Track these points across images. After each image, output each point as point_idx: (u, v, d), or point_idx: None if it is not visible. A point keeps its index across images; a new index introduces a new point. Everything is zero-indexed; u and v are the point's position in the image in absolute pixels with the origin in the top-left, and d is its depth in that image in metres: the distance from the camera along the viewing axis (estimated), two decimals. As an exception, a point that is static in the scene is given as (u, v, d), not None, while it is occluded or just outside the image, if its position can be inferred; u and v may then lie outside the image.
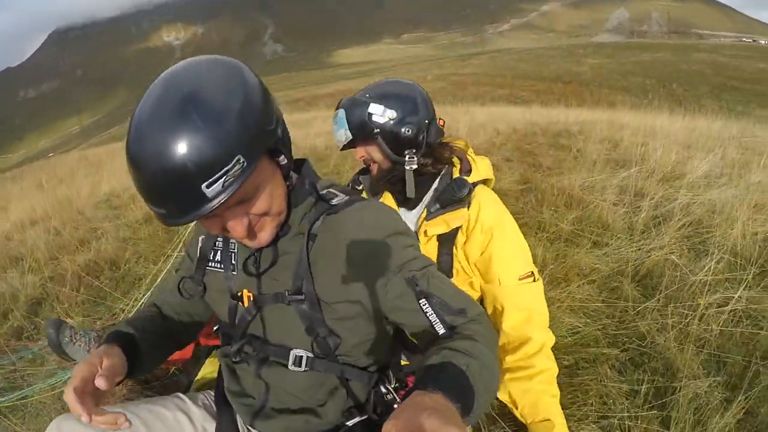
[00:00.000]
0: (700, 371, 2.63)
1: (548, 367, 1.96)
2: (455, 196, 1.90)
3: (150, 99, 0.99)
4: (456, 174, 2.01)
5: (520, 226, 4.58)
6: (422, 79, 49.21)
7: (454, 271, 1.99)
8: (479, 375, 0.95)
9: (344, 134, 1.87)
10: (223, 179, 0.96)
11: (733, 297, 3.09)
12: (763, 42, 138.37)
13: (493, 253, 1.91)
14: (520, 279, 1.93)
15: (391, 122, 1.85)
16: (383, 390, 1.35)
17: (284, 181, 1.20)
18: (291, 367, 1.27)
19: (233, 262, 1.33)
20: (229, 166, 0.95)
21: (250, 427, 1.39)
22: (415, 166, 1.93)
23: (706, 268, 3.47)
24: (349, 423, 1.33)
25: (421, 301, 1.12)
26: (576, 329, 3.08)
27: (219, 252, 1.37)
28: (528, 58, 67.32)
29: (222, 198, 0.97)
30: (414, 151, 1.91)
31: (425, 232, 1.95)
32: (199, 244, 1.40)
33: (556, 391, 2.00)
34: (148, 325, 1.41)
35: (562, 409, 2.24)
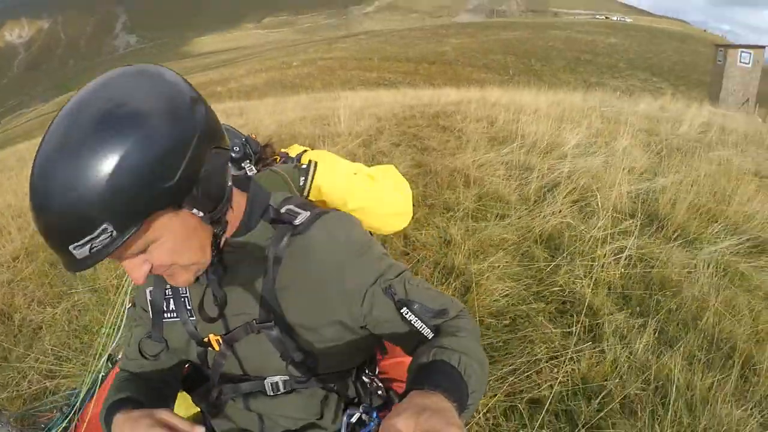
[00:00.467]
0: (614, 308, 3.31)
1: None
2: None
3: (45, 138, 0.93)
4: None
5: (429, 207, 5.22)
6: (288, 65, 49.39)
7: None
8: (471, 370, 0.98)
9: None
10: (88, 246, 0.88)
11: (626, 246, 3.85)
12: (615, 18, 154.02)
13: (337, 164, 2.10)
14: None
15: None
16: (366, 380, 1.38)
17: (209, 227, 1.07)
18: (270, 393, 1.29)
19: (188, 307, 1.27)
20: (93, 235, 0.87)
21: None
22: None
23: (597, 225, 4.24)
24: (353, 420, 1.31)
25: (402, 310, 1.12)
26: (505, 292, 3.64)
27: (171, 300, 1.29)
28: (393, 40, 69.67)
29: (90, 263, 0.91)
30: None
31: None
32: (148, 297, 1.32)
33: None
34: (133, 387, 1.34)
35: (516, 358, 2.81)
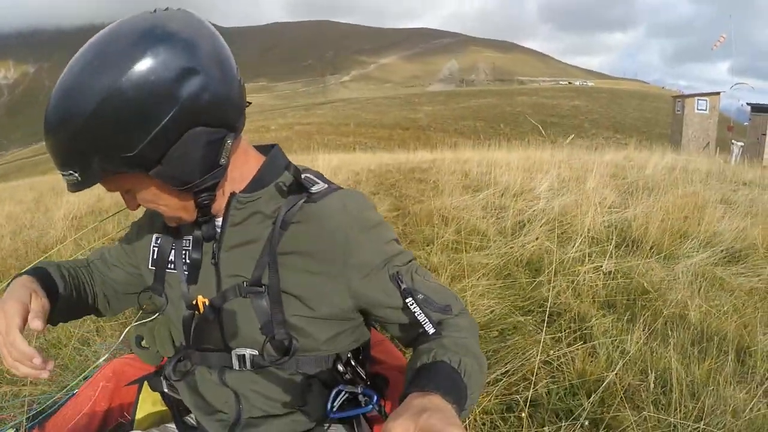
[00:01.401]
0: (600, 313, 3.18)
1: None
2: None
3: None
4: None
5: (408, 243, 5.11)
6: (266, 128, 49.73)
7: None
8: (471, 371, 0.96)
9: None
10: (67, 177, 0.95)
11: (603, 263, 3.76)
12: (578, 83, 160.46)
13: None
14: None
15: None
16: (340, 369, 1.25)
17: (192, 197, 1.06)
18: (236, 367, 1.19)
19: (187, 261, 1.22)
20: (66, 173, 0.95)
21: None
22: None
23: (575, 248, 4.16)
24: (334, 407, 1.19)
25: (407, 300, 1.08)
26: (490, 308, 3.48)
27: (173, 252, 1.25)
28: (369, 107, 71.12)
29: (74, 188, 0.98)
30: None
31: None
32: (153, 242, 1.28)
33: None
34: (73, 274, 1.32)
35: (510, 363, 2.64)
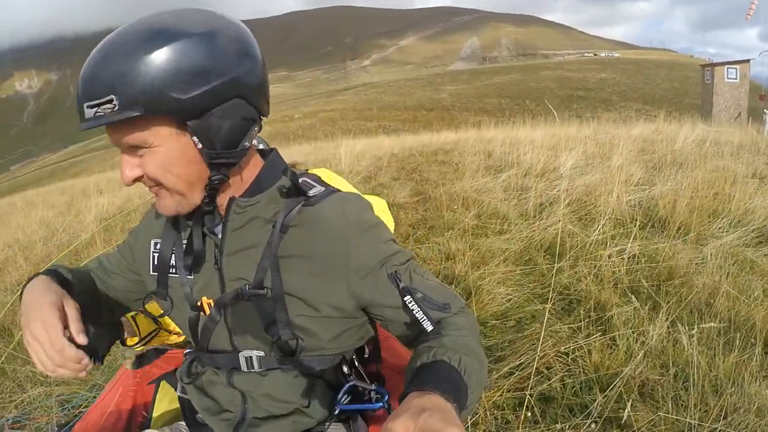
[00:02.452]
0: (622, 301, 3.02)
1: None
2: None
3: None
4: None
5: (428, 230, 4.99)
6: (290, 117, 50.06)
7: None
8: (471, 370, 0.95)
9: None
10: (95, 109, 0.94)
11: (627, 245, 3.59)
12: (603, 54, 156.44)
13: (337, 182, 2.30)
14: None
15: None
16: (345, 371, 1.26)
17: (206, 168, 1.06)
18: (244, 369, 1.21)
19: (188, 270, 1.22)
20: (102, 100, 0.93)
21: None
22: None
23: (598, 230, 3.98)
24: (336, 409, 1.23)
25: (405, 298, 1.08)
26: (508, 296, 3.37)
27: (173, 256, 1.24)
28: (391, 90, 70.52)
29: (88, 125, 0.96)
30: None
31: None
32: (152, 249, 1.29)
33: None
34: (82, 277, 1.33)
35: (524, 355, 2.53)
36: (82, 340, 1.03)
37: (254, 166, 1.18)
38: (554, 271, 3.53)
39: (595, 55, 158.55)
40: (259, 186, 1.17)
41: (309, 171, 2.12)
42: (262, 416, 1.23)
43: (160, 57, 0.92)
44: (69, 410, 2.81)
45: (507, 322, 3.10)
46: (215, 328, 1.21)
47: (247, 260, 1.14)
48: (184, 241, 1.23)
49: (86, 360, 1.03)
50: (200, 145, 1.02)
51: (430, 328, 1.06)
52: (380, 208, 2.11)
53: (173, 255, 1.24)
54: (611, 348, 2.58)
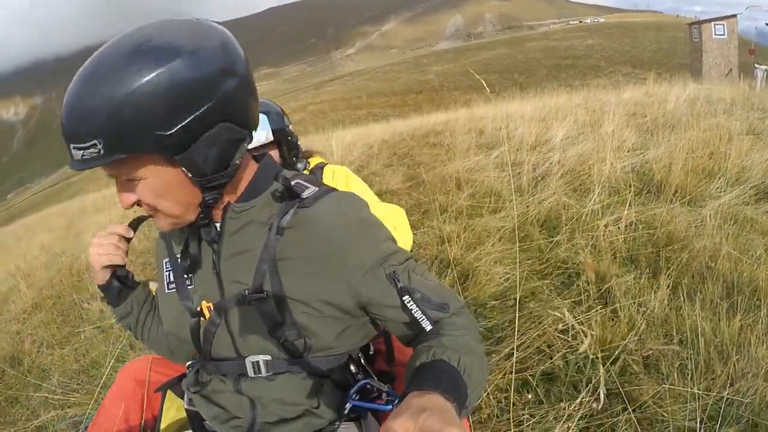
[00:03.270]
0: (622, 271, 2.94)
1: None
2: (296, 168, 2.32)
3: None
4: None
5: (422, 214, 4.91)
6: None
7: None
8: (471, 369, 0.95)
9: (265, 135, 2.15)
10: (81, 152, 0.95)
11: (623, 213, 3.49)
12: (589, 20, 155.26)
13: (364, 190, 2.29)
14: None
15: (291, 130, 2.29)
16: (353, 369, 1.27)
17: (198, 190, 1.07)
18: (251, 374, 1.20)
19: (187, 275, 1.25)
20: (85, 145, 0.94)
21: None
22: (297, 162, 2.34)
23: (593, 200, 3.89)
24: (346, 408, 1.22)
25: (404, 298, 1.07)
26: (507, 275, 3.29)
27: (171, 273, 1.30)
28: (378, 76, 70.14)
29: (80, 167, 0.98)
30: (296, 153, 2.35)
31: None
32: (164, 269, 1.34)
33: None
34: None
35: (525, 335, 2.45)
36: (128, 232, 1.30)
37: (248, 172, 1.19)
38: (551, 245, 3.46)
39: (580, 22, 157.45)
40: (254, 191, 1.17)
41: (327, 165, 2.37)
42: (272, 421, 1.22)
43: (140, 93, 0.91)
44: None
45: (506, 302, 3.02)
46: (216, 332, 1.20)
47: (244, 264, 1.14)
48: (178, 256, 1.27)
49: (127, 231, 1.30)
50: (190, 174, 1.03)
51: (429, 327, 1.05)
52: (400, 220, 2.11)
53: (170, 272, 1.29)
54: (613, 321, 2.50)
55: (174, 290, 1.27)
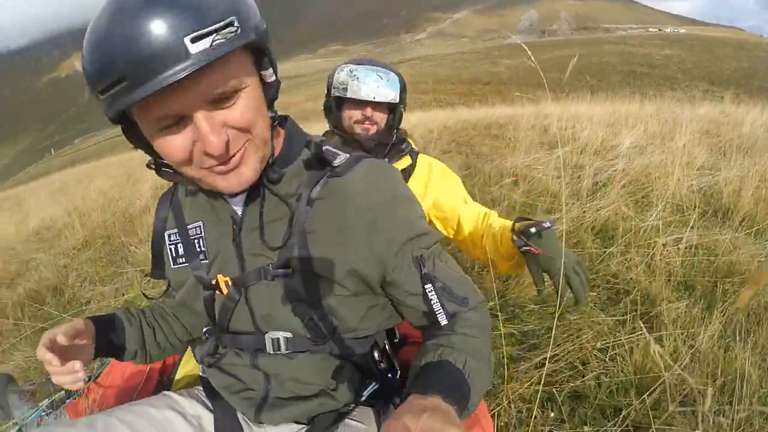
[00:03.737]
0: (674, 296, 2.75)
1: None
2: (399, 149, 2.11)
3: None
4: None
5: (475, 204, 4.76)
6: None
7: None
8: (476, 373, 0.93)
9: (393, 95, 2.00)
10: (212, 36, 0.75)
11: (684, 234, 3.26)
12: (668, 30, 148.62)
13: (459, 187, 2.14)
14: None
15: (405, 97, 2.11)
16: (376, 357, 1.21)
17: (267, 112, 0.97)
18: (270, 351, 1.12)
19: (202, 248, 1.13)
20: (222, 24, 0.76)
21: (253, 422, 1.23)
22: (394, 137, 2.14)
23: (655, 215, 3.65)
24: (364, 394, 1.20)
25: (426, 286, 1.03)
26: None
27: (180, 246, 1.17)
28: (446, 63, 69.35)
29: (205, 60, 0.75)
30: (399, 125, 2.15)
31: None
32: (168, 241, 1.21)
33: None
34: (152, 310, 1.34)
35: (560, 346, 2.33)
36: (60, 339, 0.99)
37: (279, 137, 1.09)
38: (603, 255, 3.28)
39: (659, 30, 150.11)
40: (286, 158, 1.06)
41: (421, 153, 2.21)
42: (285, 397, 1.16)
43: None
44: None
45: (547, 308, 2.89)
46: (235, 308, 1.12)
47: (269, 236, 1.05)
48: (189, 227, 1.15)
49: (55, 361, 0.97)
50: (273, 77, 0.94)
51: (444, 322, 1.02)
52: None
53: (180, 245, 1.17)
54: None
55: (184, 264, 1.16)
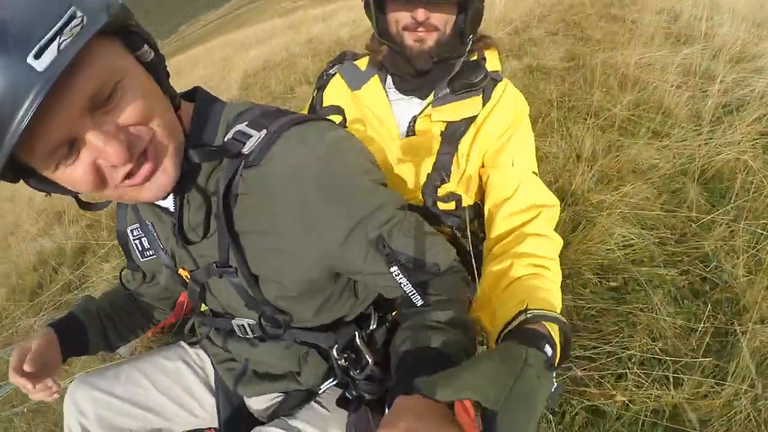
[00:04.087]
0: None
1: (559, 275, 1.29)
2: (469, 80, 1.41)
3: None
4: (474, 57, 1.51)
5: (568, 110, 3.99)
6: None
7: (451, 174, 1.50)
8: (458, 346, 0.88)
9: None
10: (56, 40, 0.63)
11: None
12: None
13: (512, 139, 1.42)
14: (533, 172, 1.43)
15: None
16: (335, 353, 1.15)
17: (167, 100, 0.86)
18: (239, 335, 1.18)
19: (161, 244, 1.10)
20: (62, 22, 0.64)
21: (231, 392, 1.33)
22: (468, 48, 1.43)
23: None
24: (323, 387, 1.21)
25: (392, 269, 0.94)
26: (628, 241, 2.57)
27: (145, 239, 1.13)
28: None
29: (59, 68, 0.62)
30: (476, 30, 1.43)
31: (429, 117, 1.45)
32: (131, 237, 1.17)
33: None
34: (104, 301, 1.36)
35: (602, 342, 1.82)
36: (27, 367, 1.06)
37: (184, 114, 0.93)
38: (703, 222, 2.61)
39: None
40: (196, 141, 0.92)
41: (504, 80, 1.48)
42: (261, 372, 1.23)
43: None
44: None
45: (608, 281, 2.37)
46: (205, 295, 1.15)
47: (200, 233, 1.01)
48: (147, 223, 1.10)
49: (29, 386, 1.09)
50: (152, 55, 0.81)
51: (420, 302, 0.96)
52: (547, 218, 1.34)
53: (144, 238, 1.14)
54: (722, 374, 1.82)
55: (153, 256, 1.14)
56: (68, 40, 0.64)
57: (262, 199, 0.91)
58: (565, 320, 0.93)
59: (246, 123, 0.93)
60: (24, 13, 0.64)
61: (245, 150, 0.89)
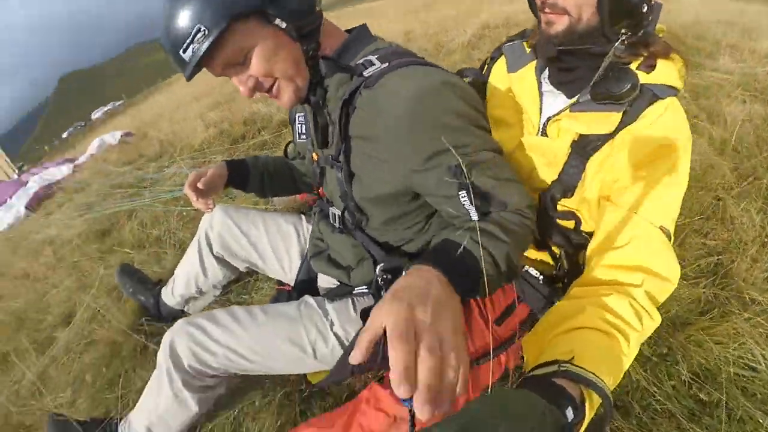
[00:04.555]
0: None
1: (635, 351, 0.98)
2: (609, 89, 1.09)
3: None
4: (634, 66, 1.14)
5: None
6: None
7: (575, 191, 1.22)
8: (490, 246, 0.87)
9: None
10: (191, 47, 1.00)
11: None
12: None
13: (649, 178, 1.08)
14: (660, 227, 1.06)
15: None
16: (377, 271, 1.28)
17: (297, 44, 1.09)
18: (331, 221, 1.42)
19: (310, 132, 1.35)
20: (190, 38, 0.99)
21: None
22: (622, 48, 1.10)
23: None
24: (357, 290, 1.38)
25: (460, 192, 0.99)
26: (751, 362, 1.90)
27: (303, 125, 1.49)
28: None
29: (194, 60, 1.01)
30: (631, 24, 1.09)
31: (559, 122, 1.21)
32: (297, 120, 1.51)
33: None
34: (272, 161, 1.72)
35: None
36: (200, 184, 1.48)
37: (334, 39, 1.19)
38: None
39: None
40: (337, 61, 1.15)
41: (672, 98, 1.12)
42: (332, 257, 1.47)
43: None
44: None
45: (699, 390, 1.78)
46: (322, 179, 1.39)
47: (330, 134, 1.23)
48: (301, 115, 1.48)
49: (194, 198, 1.48)
50: (284, 24, 1.04)
51: (475, 218, 0.99)
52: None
53: (303, 125, 1.48)
54: None
55: (304, 140, 1.48)
56: (195, 47, 1.00)
57: (370, 114, 1.07)
58: (609, 395, 0.77)
59: (377, 56, 1.12)
60: (176, 33, 1.00)
61: (366, 73, 1.09)
